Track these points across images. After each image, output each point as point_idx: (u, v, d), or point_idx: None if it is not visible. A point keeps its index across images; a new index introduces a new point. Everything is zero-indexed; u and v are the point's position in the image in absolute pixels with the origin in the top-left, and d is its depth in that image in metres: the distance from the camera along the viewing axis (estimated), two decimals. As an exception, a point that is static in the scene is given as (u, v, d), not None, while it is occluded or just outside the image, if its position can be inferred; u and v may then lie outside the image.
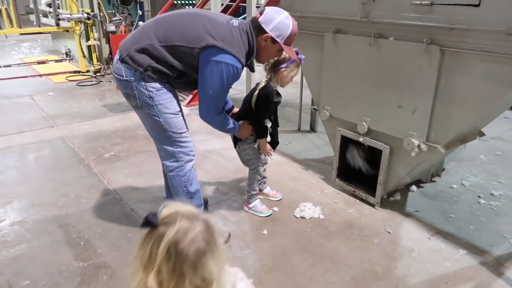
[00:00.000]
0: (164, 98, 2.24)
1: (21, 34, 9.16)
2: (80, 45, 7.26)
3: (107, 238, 2.63)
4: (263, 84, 2.60)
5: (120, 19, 7.28)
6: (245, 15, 5.51)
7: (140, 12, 7.86)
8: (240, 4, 5.76)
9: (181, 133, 2.34)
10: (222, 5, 6.37)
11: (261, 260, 2.44)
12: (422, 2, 2.39)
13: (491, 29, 2.14)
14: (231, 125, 2.48)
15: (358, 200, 3.11)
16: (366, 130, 2.90)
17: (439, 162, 3.36)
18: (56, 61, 8.67)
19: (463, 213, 2.97)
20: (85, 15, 7.08)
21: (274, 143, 2.87)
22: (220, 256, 0.98)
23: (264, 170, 3.03)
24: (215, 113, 2.31)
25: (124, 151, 4.04)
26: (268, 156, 2.83)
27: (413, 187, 3.25)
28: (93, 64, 7.55)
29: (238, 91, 5.65)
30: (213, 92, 2.19)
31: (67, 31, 7.85)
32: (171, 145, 2.35)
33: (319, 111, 3.31)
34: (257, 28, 2.22)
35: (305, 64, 3.31)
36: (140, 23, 7.60)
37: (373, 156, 3.08)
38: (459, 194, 3.24)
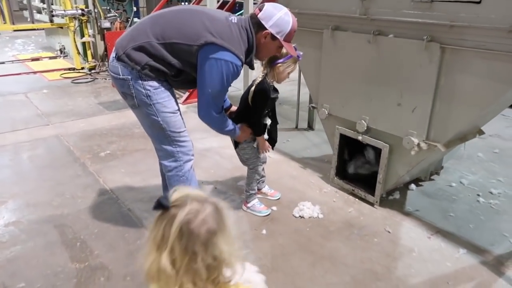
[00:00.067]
0: (162, 97, 2.19)
1: (15, 30, 9.04)
2: (75, 42, 7.18)
3: (103, 239, 2.59)
4: (260, 79, 2.57)
5: (115, 16, 7.21)
6: (242, 11, 5.48)
7: (135, 9, 7.79)
8: (236, 0, 5.71)
9: (180, 132, 2.30)
10: (218, 1, 6.32)
11: (260, 260, 2.41)
12: (423, -1, 2.36)
13: (492, 26, 2.11)
14: (230, 127, 2.44)
15: (357, 199, 3.09)
16: (365, 128, 2.88)
17: (438, 160, 3.34)
18: (50, 58, 8.58)
19: (462, 212, 2.95)
20: (79, 11, 7.00)
21: (272, 141, 2.85)
22: (229, 237, 1.02)
23: (263, 169, 3.00)
24: (215, 113, 2.26)
25: (120, 150, 3.99)
26: (267, 152, 2.80)
27: (412, 186, 3.23)
28: (88, 61, 7.47)
29: (235, 88, 5.60)
30: (212, 91, 2.14)
31: (61, 27, 7.76)
32: (170, 145, 2.31)
33: (318, 109, 3.28)
34: (257, 25, 2.18)
35: (303, 62, 3.29)
36: (135, 19, 7.54)
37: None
38: (458, 192, 3.23)
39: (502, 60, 2.13)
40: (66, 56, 8.57)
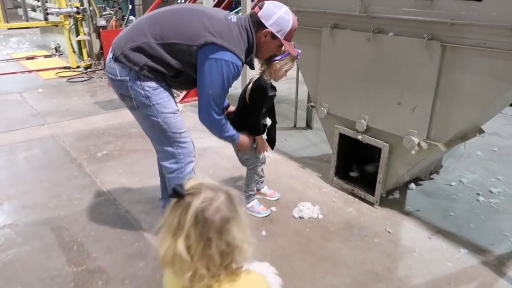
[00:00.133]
0: (161, 97, 2.15)
1: (9, 28, 8.94)
2: (70, 40, 7.12)
3: (101, 241, 2.56)
4: (257, 76, 2.54)
5: (111, 13, 7.14)
6: (239, 8, 5.43)
7: (130, 6, 7.71)
8: (233, -2, 5.66)
9: (181, 132, 2.26)
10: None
11: (260, 262, 2.38)
12: (423, -3, 2.33)
13: (493, 24, 2.09)
14: (231, 132, 2.38)
15: (357, 199, 3.07)
16: (365, 127, 2.85)
17: (438, 159, 3.33)
18: (46, 56, 8.50)
19: (462, 211, 2.94)
20: (74, 9, 6.93)
21: (271, 142, 2.82)
22: (242, 224, 1.06)
23: (262, 169, 2.97)
24: (216, 114, 2.20)
25: (117, 150, 3.95)
26: (265, 152, 2.77)
27: (412, 185, 3.21)
28: (83, 60, 7.40)
29: (233, 87, 5.51)
30: (213, 92, 2.10)
31: (56, 25, 7.68)
32: (171, 146, 2.26)
33: (317, 108, 3.25)
34: (257, 23, 2.15)
35: (302, 60, 3.26)
36: (131, 17, 7.47)
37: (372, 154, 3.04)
38: (458, 191, 3.21)
39: (504, 58, 2.11)
40: (62, 54, 8.49)
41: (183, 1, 7.00)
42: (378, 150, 2.85)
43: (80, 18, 7.12)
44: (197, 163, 3.51)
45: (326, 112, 3.14)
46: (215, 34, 2.01)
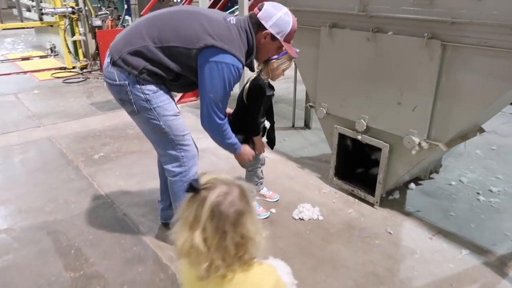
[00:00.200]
0: (162, 100, 2.11)
1: (3, 29, 8.86)
2: (65, 41, 7.05)
3: (99, 246, 2.52)
4: (254, 75, 2.51)
5: (106, 13, 7.08)
6: (236, 6, 5.39)
7: (126, 6, 7.65)
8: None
9: (183, 135, 2.22)
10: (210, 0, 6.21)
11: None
12: (423, -5, 2.31)
13: (494, 23, 2.07)
14: (233, 140, 2.34)
15: (357, 200, 3.04)
16: (365, 128, 2.83)
17: (438, 159, 3.31)
18: (41, 57, 8.43)
19: (463, 211, 2.92)
20: (70, 9, 6.87)
21: (271, 142, 2.79)
22: (254, 217, 1.12)
23: (261, 171, 2.94)
24: (218, 119, 2.15)
25: (114, 152, 3.91)
26: (263, 152, 2.74)
27: (412, 185, 3.19)
28: (79, 60, 7.34)
29: (230, 87, 5.53)
30: (214, 96, 2.05)
31: (51, 26, 7.62)
32: (174, 149, 2.22)
33: (316, 108, 3.23)
34: (256, 25, 2.12)
35: (300, 60, 3.24)
36: (127, 17, 7.40)
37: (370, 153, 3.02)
38: (458, 191, 3.20)
39: (505, 57, 2.09)
40: (57, 55, 8.42)
41: (178, 0, 6.93)
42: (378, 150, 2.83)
43: (76, 18, 7.06)
44: (196, 165, 3.50)
45: (325, 112, 3.12)
46: (215, 36, 1.97)
